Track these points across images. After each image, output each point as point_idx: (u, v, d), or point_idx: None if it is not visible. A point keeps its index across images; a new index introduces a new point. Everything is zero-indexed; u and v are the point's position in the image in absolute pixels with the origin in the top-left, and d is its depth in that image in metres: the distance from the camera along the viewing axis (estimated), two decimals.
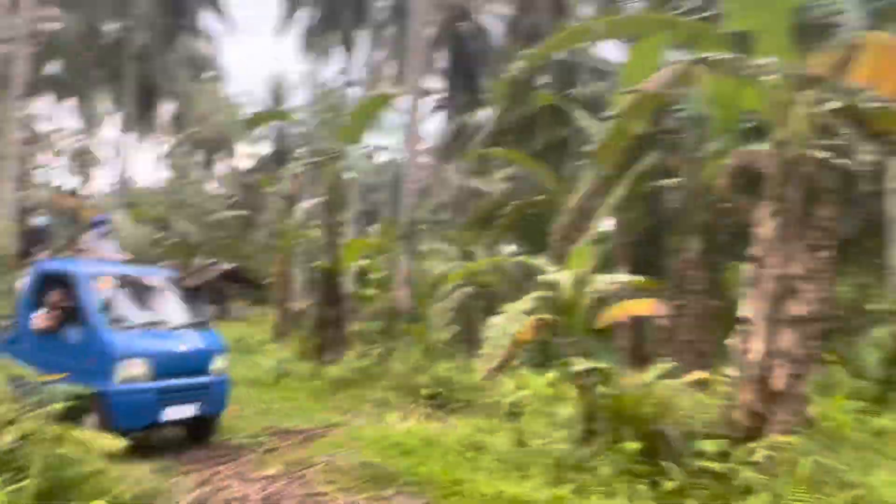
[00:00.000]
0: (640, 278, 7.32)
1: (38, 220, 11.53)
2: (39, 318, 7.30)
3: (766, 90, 5.74)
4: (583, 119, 12.27)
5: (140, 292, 7.96)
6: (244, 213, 27.37)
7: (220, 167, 43.71)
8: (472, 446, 6.73)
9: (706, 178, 10.64)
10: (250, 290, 26.32)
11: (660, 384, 6.30)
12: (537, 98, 13.90)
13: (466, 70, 25.95)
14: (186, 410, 7.42)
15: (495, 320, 6.68)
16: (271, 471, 6.53)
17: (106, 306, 7.25)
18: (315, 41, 31.34)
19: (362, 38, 27.58)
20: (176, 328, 7.82)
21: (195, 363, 7.62)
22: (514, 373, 8.84)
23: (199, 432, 7.80)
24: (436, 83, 27.82)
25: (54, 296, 7.34)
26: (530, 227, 15.41)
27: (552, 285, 7.12)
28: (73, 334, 7.20)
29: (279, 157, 31.42)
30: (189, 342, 7.75)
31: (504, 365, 6.84)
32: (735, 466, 5.55)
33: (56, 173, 31.33)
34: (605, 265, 11.05)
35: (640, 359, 8.54)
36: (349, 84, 25.71)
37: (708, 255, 10.92)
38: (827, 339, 8.88)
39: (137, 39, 28.26)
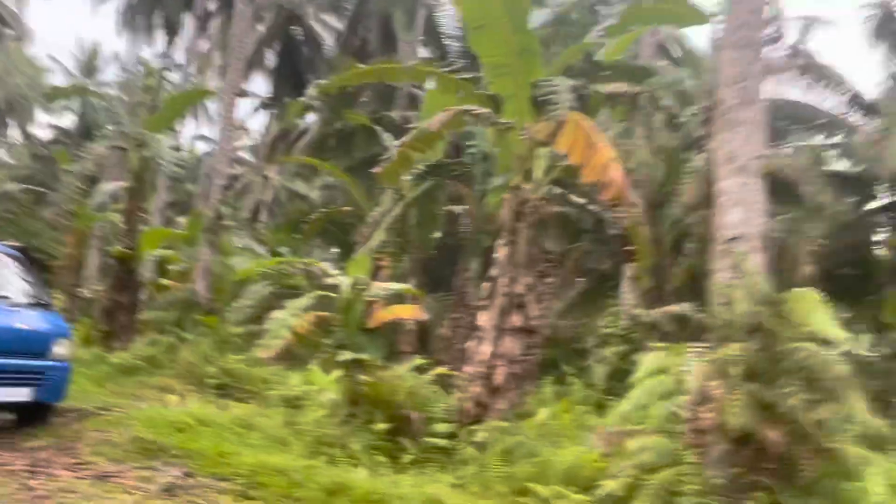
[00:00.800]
0: (409, 287, 8.58)
1: None
2: None
3: (510, 143, 7.26)
4: (390, 141, 13.53)
5: None
6: (36, 188, 25.45)
7: (13, 134, 39.76)
8: (244, 425, 7.51)
9: (489, 208, 12.36)
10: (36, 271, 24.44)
11: (410, 377, 7.55)
12: (351, 116, 14.99)
13: (296, 73, 26.45)
14: (17, 394, 6.93)
15: (276, 314, 7.56)
16: (41, 442, 6.82)
17: None
18: (137, 18, 30.02)
19: (188, 23, 27.00)
20: (15, 305, 7.27)
21: (32, 345, 7.14)
22: (303, 368, 9.72)
23: (31, 419, 7.31)
24: (263, 81, 28.06)
25: None
26: (338, 233, 16.44)
27: (333, 287, 8.16)
28: None
29: (84, 133, 29.63)
30: (27, 321, 7.24)
31: (283, 354, 7.74)
32: (458, 444, 6.92)
33: None
34: (401, 276, 12.39)
35: (408, 356, 9.86)
36: (167, 69, 25.10)
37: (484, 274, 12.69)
38: (568, 355, 10.80)
39: None
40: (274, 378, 10.08)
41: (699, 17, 8.24)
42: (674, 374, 5.57)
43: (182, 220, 19.51)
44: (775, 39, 10.61)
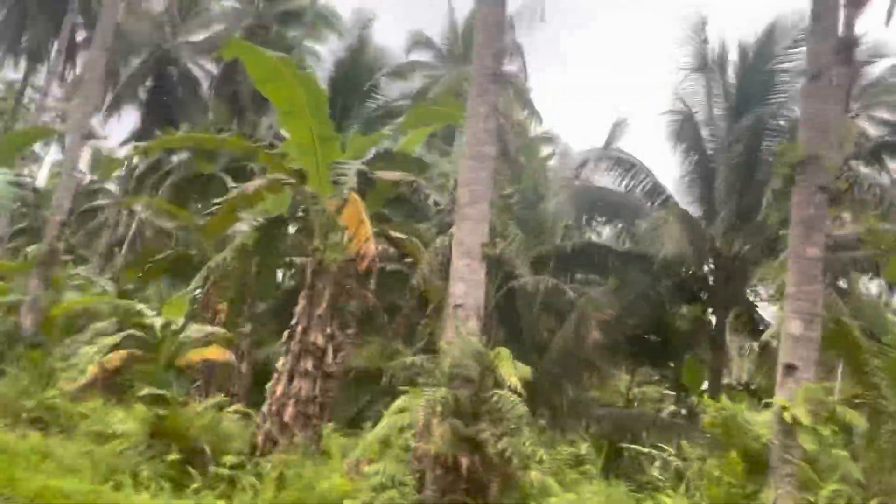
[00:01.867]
0: (223, 331, 9.54)
1: None
2: None
3: (314, 213, 8.55)
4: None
5: None
6: None
7: None
8: (41, 454, 8.10)
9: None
10: None
11: (209, 412, 8.47)
12: (201, 165, 15.86)
13: (167, 110, 26.88)
14: None
15: (86, 348, 8.29)
16: None
17: None
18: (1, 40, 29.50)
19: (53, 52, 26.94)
20: None
21: None
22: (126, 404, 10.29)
23: None
24: (131, 115, 28.25)
25: None
26: (184, 274, 17.03)
27: (148, 327, 8.99)
28: None
29: None
30: None
31: (94, 387, 8.43)
32: (243, 475, 7.88)
33: None
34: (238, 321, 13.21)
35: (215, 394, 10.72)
36: (23, 94, 24.93)
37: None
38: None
39: None
40: (92, 412, 10.59)
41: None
42: (412, 412, 6.88)
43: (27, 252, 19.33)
44: None
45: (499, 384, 6.38)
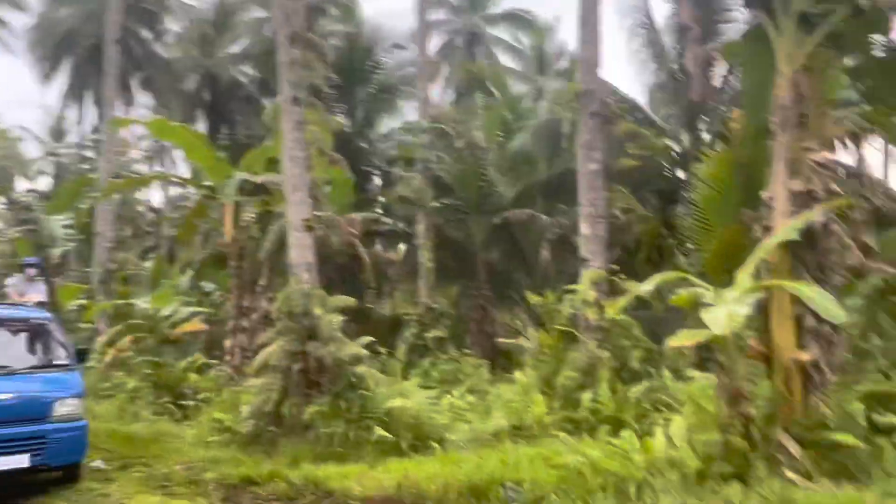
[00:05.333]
0: (199, 309, 13.71)
1: None
2: None
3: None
4: None
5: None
6: None
7: None
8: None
9: None
10: None
11: (190, 366, 12.65)
12: None
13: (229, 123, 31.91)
14: (10, 462, 7.41)
15: (100, 338, 12.68)
16: None
17: None
18: (81, 91, 36.02)
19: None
20: (17, 373, 8.00)
21: (20, 411, 7.67)
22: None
23: (67, 478, 8.12)
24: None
25: None
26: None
27: (147, 315, 13.33)
28: None
29: None
30: (18, 389, 7.82)
31: (111, 369, 12.90)
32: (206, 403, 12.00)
33: None
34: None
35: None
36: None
37: None
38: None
39: None
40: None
41: None
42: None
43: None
44: None
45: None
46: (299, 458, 8.64)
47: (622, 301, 7.90)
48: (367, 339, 10.40)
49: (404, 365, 16.40)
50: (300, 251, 10.33)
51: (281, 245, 11.16)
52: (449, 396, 11.62)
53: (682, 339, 6.33)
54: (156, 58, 33.01)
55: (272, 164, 12.74)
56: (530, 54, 32.36)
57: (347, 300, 10.27)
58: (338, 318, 9.97)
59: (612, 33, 29.79)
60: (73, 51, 33.39)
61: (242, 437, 9.63)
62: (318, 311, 9.94)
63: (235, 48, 32.92)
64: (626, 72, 57.79)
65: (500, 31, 34.99)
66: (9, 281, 10.56)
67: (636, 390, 9.33)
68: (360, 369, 9.95)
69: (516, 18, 33.80)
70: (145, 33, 33.51)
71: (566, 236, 16.35)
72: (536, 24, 32.12)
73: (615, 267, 10.93)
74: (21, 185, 49.21)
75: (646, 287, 7.00)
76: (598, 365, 9.79)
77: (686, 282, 7.01)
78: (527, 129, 20.38)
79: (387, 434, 8.84)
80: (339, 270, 15.93)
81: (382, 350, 15.85)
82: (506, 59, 34.14)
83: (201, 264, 25.59)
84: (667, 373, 9.66)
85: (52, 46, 33.64)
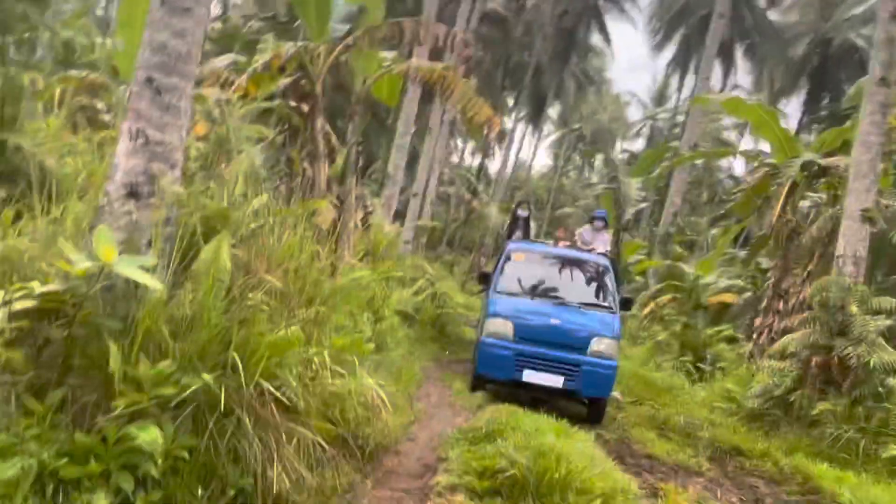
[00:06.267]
0: (737, 282, 14.01)
1: (521, 212, 12.52)
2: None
3: None
4: None
5: (564, 272, 9.65)
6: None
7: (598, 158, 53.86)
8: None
9: None
10: None
11: None
12: None
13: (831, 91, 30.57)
14: (548, 379, 8.47)
15: (646, 292, 14.21)
16: None
17: (510, 275, 9.34)
18: (679, 61, 38.82)
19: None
20: (570, 305, 9.09)
21: (566, 339, 8.67)
22: None
23: (590, 413, 8.87)
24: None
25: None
26: None
27: (688, 279, 14.31)
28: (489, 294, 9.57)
29: None
30: (567, 319, 8.84)
31: (649, 320, 14.37)
32: None
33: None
34: None
35: None
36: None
37: None
38: None
39: (535, 62, 39.02)
40: None
41: None
42: None
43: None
44: None
45: None
46: (796, 448, 8.49)
47: None
48: None
49: None
50: (851, 242, 9.74)
51: (834, 233, 10.60)
52: None
53: None
54: (765, 25, 33.23)
55: (847, 146, 12.04)
56: None
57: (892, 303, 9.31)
58: (881, 322, 9.16)
59: None
60: (685, 23, 36.12)
61: (746, 412, 9.84)
62: (853, 308, 9.33)
63: (858, 9, 30.79)
64: None
65: None
66: (579, 230, 11.78)
67: None
68: (893, 381, 9.02)
69: None
70: (761, 1, 34.05)
71: None
72: None
73: None
74: (619, 145, 56.14)
75: None
76: None
77: None
78: None
79: None
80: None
81: None
82: None
83: (757, 240, 25.51)
84: None
85: (667, 19, 37.01)
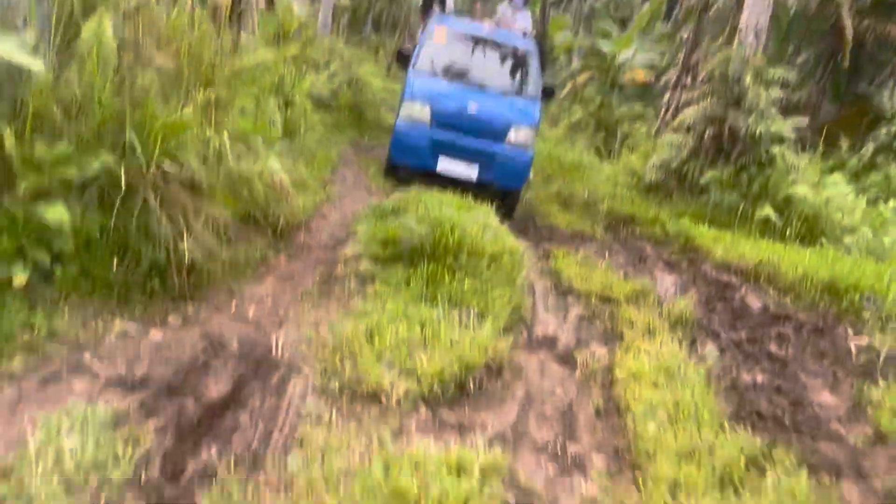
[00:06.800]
0: (650, 56, 14.31)
1: None
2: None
3: None
4: None
5: (489, 54, 9.00)
6: None
7: None
8: None
9: None
10: None
11: None
12: None
13: None
14: (463, 169, 8.11)
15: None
16: None
17: (430, 54, 8.66)
18: None
19: None
20: (491, 90, 8.55)
21: (484, 127, 8.20)
22: None
23: (502, 203, 8.14)
24: None
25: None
26: None
27: (604, 57, 14.49)
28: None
29: None
30: (486, 106, 8.29)
31: (567, 100, 14.67)
32: None
33: None
34: None
35: None
36: None
37: None
38: None
39: None
40: None
41: None
42: None
43: None
44: None
45: None
46: (683, 214, 9.36)
47: None
48: (798, 119, 9.99)
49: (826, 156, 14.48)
50: (753, 12, 10.01)
51: (742, 4, 10.75)
52: (883, 206, 10.70)
53: None
54: None
55: None
56: None
57: (789, 75, 9.85)
58: (773, 93, 9.73)
59: None
60: None
61: (644, 185, 10.63)
62: (748, 79, 9.82)
63: None
64: None
65: None
66: (499, 8, 10.94)
67: None
68: (777, 149, 9.80)
69: None
70: None
71: None
72: None
73: None
74: None
75: None
76: None
77: None
78: None
79: (775, 217, 8.89)
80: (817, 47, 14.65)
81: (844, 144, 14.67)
82: None
83: (683, 13, 25.35)
84: None
85: None
